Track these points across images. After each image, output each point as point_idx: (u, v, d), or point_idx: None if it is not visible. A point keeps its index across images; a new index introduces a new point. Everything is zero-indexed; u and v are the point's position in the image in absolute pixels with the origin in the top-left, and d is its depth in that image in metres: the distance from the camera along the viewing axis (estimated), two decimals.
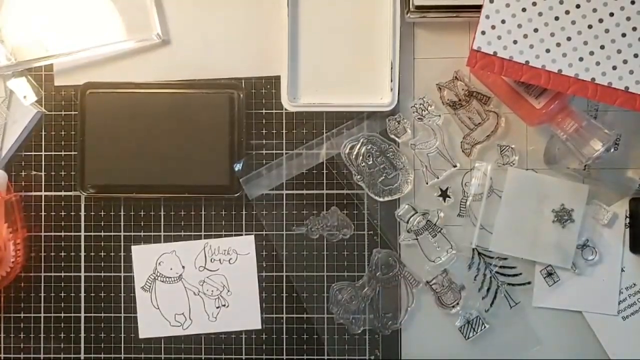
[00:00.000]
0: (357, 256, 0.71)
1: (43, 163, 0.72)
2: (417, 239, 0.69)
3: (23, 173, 0.72)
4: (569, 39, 0.57)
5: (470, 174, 0.69)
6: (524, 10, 0.57)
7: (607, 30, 0.56)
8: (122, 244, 0.72)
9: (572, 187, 0.68)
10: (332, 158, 0.70)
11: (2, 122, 0.71)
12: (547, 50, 0.57)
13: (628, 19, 0.56)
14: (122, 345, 0.72)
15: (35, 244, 0.72)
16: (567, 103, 0.63)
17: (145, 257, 0.72)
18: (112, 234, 0.72)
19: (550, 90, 0.61)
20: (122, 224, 0.72)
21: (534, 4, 0.57)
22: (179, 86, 0.71)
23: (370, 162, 0.69)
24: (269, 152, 0.71)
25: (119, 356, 0.72)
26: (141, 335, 0.72)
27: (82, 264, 0.72)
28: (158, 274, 0.71)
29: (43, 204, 0.72)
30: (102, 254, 0.72)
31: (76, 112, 0.71)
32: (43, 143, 0.72)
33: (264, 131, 0.71)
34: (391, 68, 0.68)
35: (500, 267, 0.69)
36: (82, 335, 0.72)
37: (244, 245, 0.71)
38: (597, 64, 0.56)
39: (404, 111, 0.70)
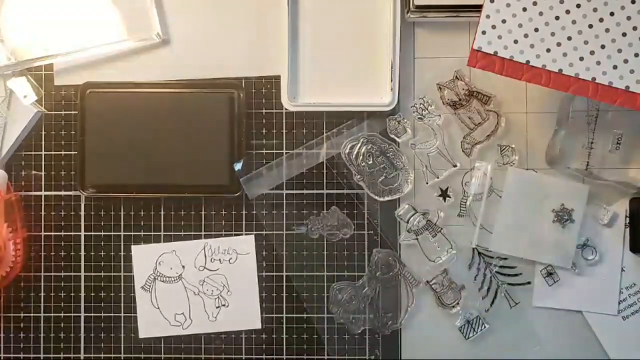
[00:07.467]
0: (357, 256, 0.71)
1: (43, 163, 0.72)
2: (417, 239, 0.69)
3: (23, 173, 0.72)
4: (569, 38, 0.57)
5: (470, 174, 0.69)
6: (524, 9, 0.57)
7: (607, 30, 0.56)
8: (122, 243, 0.72)
9: (572, 187, 0.68)
10: (332, 158, 0.70)
11: (2, 122, 0.71)
12: (548, 50, 0.57)
13: (628, 18, 0.56)
14: (122, 345, 0.72)
15: (35, 243, 0.72)
16: None
17: (145, 257, 0.72)
18: (112, 233, 0.72)
19: None
20: (122, 224, 0.72)
21: (535, 3, 0.57)
22: (179, 86, 0.71)
23: (370, 162, 0.69)
24: (269, 152, 0.71)
25: (119, 356, 0.72)
26: (141, 335, 0.72)
27: (82, 264, 0.72)
28: (158, 274, 0.71)
29: (43, 203, 0.72)
30: (102, 253, 0.72)
31: (76, 112, 0.71)
32: (43, 143, 0.72)
33: (264, 131, 0.71)
34: (391, 68, 0.68)
35: (500, 267, 0.69)
36: (82, 335, 0.72)
37: (244, 245, 0.71)
38: (598, 63, 0.56)
39: (404, 111, 0.70)
